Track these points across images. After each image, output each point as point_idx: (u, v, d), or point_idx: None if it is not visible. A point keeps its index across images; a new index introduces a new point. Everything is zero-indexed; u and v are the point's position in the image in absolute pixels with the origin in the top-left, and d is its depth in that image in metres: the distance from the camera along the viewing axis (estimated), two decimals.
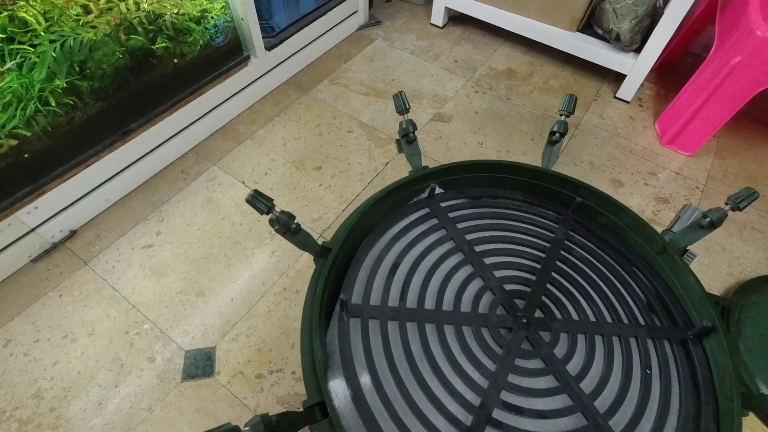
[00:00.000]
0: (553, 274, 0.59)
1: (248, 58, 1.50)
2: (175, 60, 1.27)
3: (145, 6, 1.14)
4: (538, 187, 0.67)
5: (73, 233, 1.24)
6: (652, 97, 1.71)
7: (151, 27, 1.17)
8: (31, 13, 0.98)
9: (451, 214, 0.63)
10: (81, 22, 1.05)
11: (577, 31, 1.66)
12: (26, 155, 1.06)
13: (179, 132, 1.39)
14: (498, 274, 0.58)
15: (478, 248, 0.60)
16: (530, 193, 0.68)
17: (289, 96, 1.66)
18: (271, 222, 0.56)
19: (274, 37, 1.59)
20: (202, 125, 1.46)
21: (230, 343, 1.08)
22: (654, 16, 1.54)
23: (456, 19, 2.00)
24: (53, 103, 1.06)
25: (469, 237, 0.61)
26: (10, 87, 0.99)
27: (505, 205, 0.66)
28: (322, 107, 1.62)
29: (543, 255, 0.61)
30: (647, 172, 1.47)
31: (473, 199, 0.67)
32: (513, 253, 0.61)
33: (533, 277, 0.58)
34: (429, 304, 0.55)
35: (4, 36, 0.98)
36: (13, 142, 1.03)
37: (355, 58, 1.82)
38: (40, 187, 1.12)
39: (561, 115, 0.68)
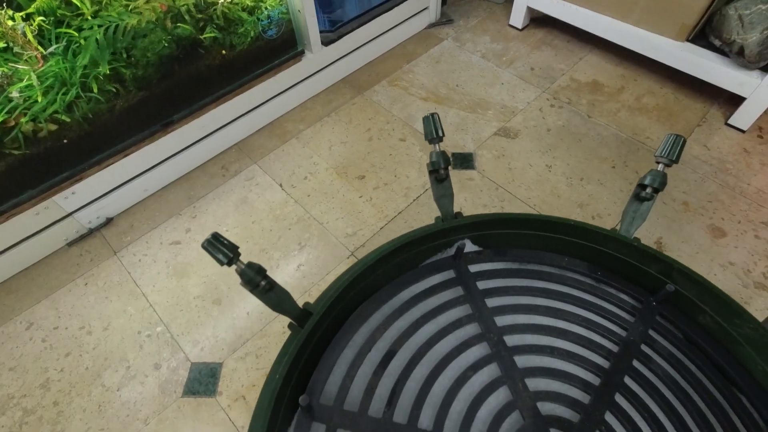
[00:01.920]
0: (618, 396, 0.39)
1: (302, 53, 1.41)
2: (224, 51, 1.21)
3: None
4: (613, 260, 0.48)
5: (109, 221, 1.24)
6: None
7: (200, 15, 1.11)
8: None
9: (482, 284, 0.46)
10: (129, 8, 1.01)
11: (687, 41, 1.38)
12: (65, 141, 1.05)
13: (224, 126, 1.34)
14: (533, 384, 0.40)
15: (510, 339, 0.43)
16: (599, 265, 0.48)
17: (343, 95, 1.56)
18: (240, 274, 0.44)
19: (333, 31, 1.49)
20: (249, 121, 1.40)
21: (238, 362, 0.99)
22: None
23: (539, 21, 1.77)
24: (95, 90, 1.03)
25: (500, 321, 0.44)
26: (53, 71, 0.97)
27: (558, 279, 0.48)
28: (375, 110, 1.50)
29: (606, 364, 0.42)
30: (760, 222, 1.18)
31: (515, 261, 0.49)
32: (560, 354, 0.42)
33: (587, 398, 0.39)
34: (426, 420, 0.38)
35: (53, 18, 0.96)
36: (53, 127, 1.01)
37: (419, 58, 1.68)
38: (78, 173, 1.11)
39: (658, 162, 0.48)
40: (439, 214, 0.52)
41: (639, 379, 0.40)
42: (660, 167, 0.48)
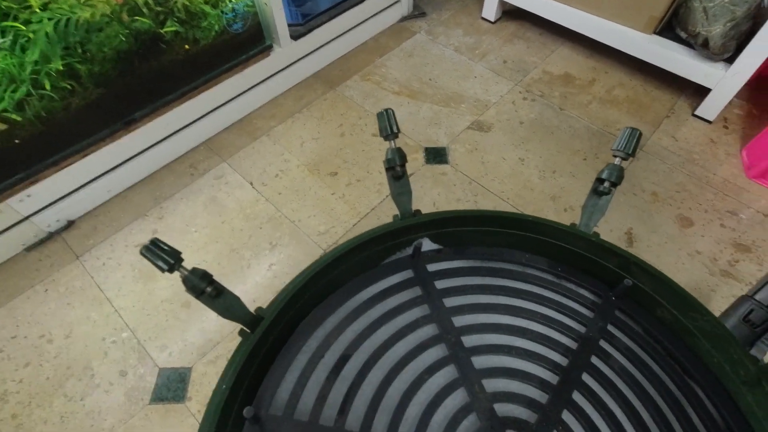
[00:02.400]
0: (576, 394, 0.39)
1: (271, 47, 1.37)
2: (187, 46, 1.17)
3: None
4: (572, 255, 0.48)
5: (70, 224, 1.19)
6: (742, 117, 1.42)
7: (159, 8, 1.07)
8: None
9: (440, 283, 0.45)
10: (82, 0, 0.97)
11: (655, 33, 1.39)
12: (17, 141, 1.00)
13: (190, 124, 1.30)
14: (491, 385, 0.39)
15: (467, 340, 0.42)
16: (560, 261, 0.48)
17: (314, 90, 1.53)
18: (183, 282, 0.42)
19: (302, 25, 1.45)
20: (217, 118, 1.36)
21: (208, 366, 0.97)
22: (756, 18, 1.25)
23: (511, 13, 1.77)
24: (48, 87, 0.99)
25: (458, 321, 0.43)
26: None
27: (517, 276, 0.47)
28: (348, 105, 1.48)
29: (565, 361, 0.41)
30: (726, 211, 1.20)
31: (474, 259, 0.48)
32: (519, 353, 0.41)
33: (544, 398, 0.38)
34: (380, 425, 0.37)
35: None
36: (2, 126, 0.96)
37: (392, 52, 1.66)
38: (33, 174, 1.06)
39: (615, 156, 0.47)
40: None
41: (597, 376, 0.40)
42: (617, 161, 0.47)
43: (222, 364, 0.97)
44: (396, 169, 0.49)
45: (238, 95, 1.37)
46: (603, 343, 0.42)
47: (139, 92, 1.15)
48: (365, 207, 1.23)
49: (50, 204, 1.12)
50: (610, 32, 1.45)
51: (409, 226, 0.46)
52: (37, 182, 1.07)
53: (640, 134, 0.48)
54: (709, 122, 1.40)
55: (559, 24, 1.56)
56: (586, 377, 0.40)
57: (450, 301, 0.44)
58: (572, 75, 1.56)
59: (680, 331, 0.43)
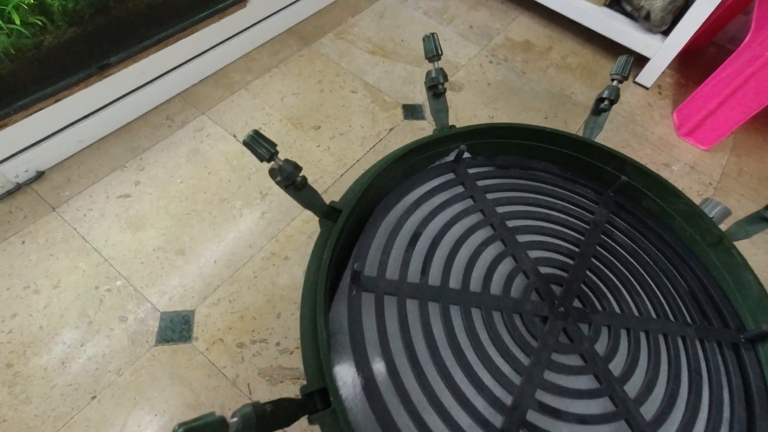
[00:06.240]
0: (593, 259, 0.52)
1: None
2: None
3: None
4: (578, 162, 0.60)
5: (40, 174, 1.12)
6: (673, 85, 1.63)
7: None
8: None
9: (480, 183, 0.56)
10: None
11: (605, 5, 1.55)
12: None
13: (166, 73, 1.26)
14: (532, 254, 0.51)
15: (509, 223, 0.53)
16: (568, 167, 0.60)
17: (289, 47, 1.52)
18: (272, 172, 0.47)
19: None
20: (193, 68, 1.32)
21: (211, 308, 0.99)
22: None
23: None
24: (17, 21, 0.92)
25: (500, 210, 0.54)
26: None
27: (539, 178, 0.58)
28: (324, 62, 1.50)
29: (581, 237, 0.54)
30: (661, 163, 1.41)
31: (504, 168, 0.59)
32: (548, 232, 0.54)
33: (571, 262, 0.51)
34: (454, 282, 0.47)
35: None
36: None
37: (363, 12, 1.68)
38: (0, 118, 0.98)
39: (613, 79, 0.60)
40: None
41: (607, 248, 0.54)
42: (615, 83, 0.59)
43: (225, 306, 1.00)
44: (438, 87, 0.57)
45: (215, 46, 1.34)
46: (608, 226, 0.55)
47: (115, 35, 1.09)
48: (350, 159, 1.28)
49: (18, 152, 1.05)
50: (565, 3, 1.58)
51: (452, 135, 0.55)
52: (4, 128, 1.00)
53: (633, 60, 0.60)
54: (647, 88, 1.60)
55: None
56: (598, 249, 0.53)
57: (490, 196, 0.55)
58: (531, 42, 1.69)
59: (661, 214, 0.57)
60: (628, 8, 1.52)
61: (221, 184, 1.18)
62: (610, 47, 1.67)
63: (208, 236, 1.09)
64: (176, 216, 1.11)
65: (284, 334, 0.97)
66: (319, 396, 0.40)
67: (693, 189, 1.36)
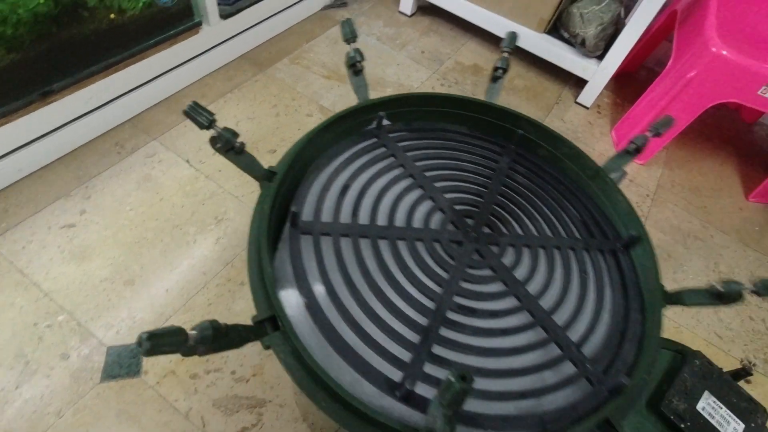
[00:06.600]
0: (499, 197, 0.64)
1: (200, 24, 1.35)
2: (112, 15, 1.11)
3: None
4: (482, 122, 0.72)
5: None
6: (610, 105, 1.75)
7: None
8: None
9: (400, 144, 0.66)
10: None
11: (545, 33, 1.66)
12: None
13: (115, 99, 1.23)
14: (447, 196, 0.62)
15: (427, 174, 0.64)
16: (475, 127, 0.73)
17: (244, 72, 1.53)
18: (213, 140, 0.51)
19: (231, 5, 1.45)
20: (143, 94, 1.30)
21: None
22: (617, 26, 1.57)
23: (425, 9, 1.95)
24: None
25: (418, 164, 0.65)
26: None
27: (451, 138, 0.70)
28: (280, 87, 1.51)
29: (489, 181, 0.66)
30: None
31: (420, 131, 0.70)
32: (461, 178, 0.65)
33: (480, 200, 0.63)
34: (381, 221, 0.57)
35: None
36: None
37: (318, 38, 1.72)
38: None
39: (503, 52, 0.72)
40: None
41: (510, 188, 0.66)
42: (505, 54, 0.72)
43: None
44: (356, 65, 0.66)
45: (167, 71, 1.33)
46: (510, 170, 0.68)
47: (59, 61, 1.07)
48: None
49: None
50: (509, 29, 1.68)
51: (373, 104, 0.65)
52: None
53: (516, 35, 0.73)
54: (587, 108, 1.71)
55: (467, 20, 1.77)
56: (503, 188, 0.66)
57: (409, 154, 0.66)
58: (480, 66, 1.77)
59: (552, 158, 0.71)
60: (566, 35, 1.63)
61: (174, 211, 1.15)
62: (552, 70, 1.78)
63: (160, 264, 1.05)
64: (125, 245, 1.07)
65: (240, 362, 0.95)
66: (269, 323, 0.45)
67: (633, 200, 1.45)
